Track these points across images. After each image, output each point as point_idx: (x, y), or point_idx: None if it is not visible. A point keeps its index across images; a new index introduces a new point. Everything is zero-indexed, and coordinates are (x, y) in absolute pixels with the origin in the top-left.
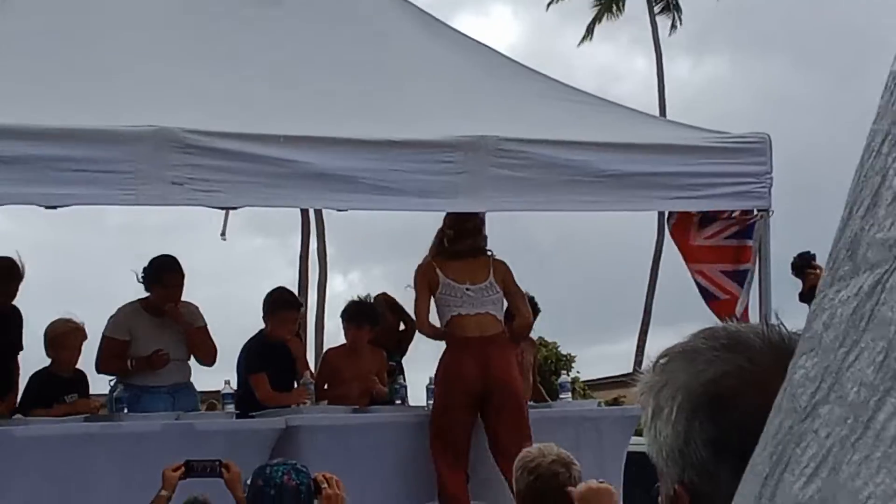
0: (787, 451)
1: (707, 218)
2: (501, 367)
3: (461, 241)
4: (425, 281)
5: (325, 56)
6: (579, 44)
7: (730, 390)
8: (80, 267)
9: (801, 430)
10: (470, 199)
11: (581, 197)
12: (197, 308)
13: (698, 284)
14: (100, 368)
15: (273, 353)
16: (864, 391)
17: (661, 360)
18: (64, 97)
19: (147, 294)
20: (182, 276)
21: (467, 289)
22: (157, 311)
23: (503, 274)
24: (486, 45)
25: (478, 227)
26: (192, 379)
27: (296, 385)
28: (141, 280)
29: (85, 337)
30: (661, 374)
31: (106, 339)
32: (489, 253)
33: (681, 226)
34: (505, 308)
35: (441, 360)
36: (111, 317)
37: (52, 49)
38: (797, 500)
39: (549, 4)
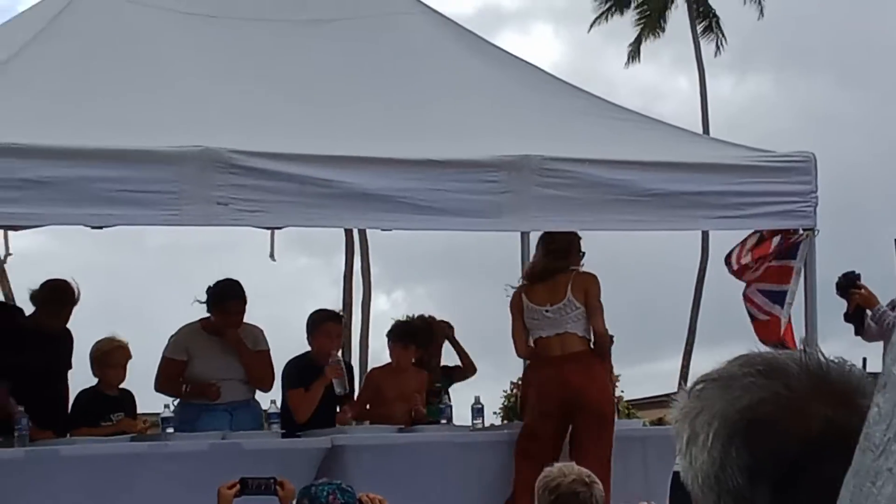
0: (863, 489)
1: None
2: (582, 385)
3: (543, 263)
4: (514, 308)
5: (368, 75)
6: (627, 64)
7: (766, 416)
8: (122, 287)
9: (877, 467)
10: (514, 218)
11: (625, 216)
12: (261, 332)
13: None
14: (157, 387)
15: (309, 373)
16: None
17: (697, 387)
18: (108, 118)
19: (208, 315)
20: (245, 302)
21: (546, 311)
22: (218, 332)
23: (585, 288)
24: (529, 63)
25: (563, 247)
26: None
27: (338, 410)
28: (202, 302)
29: (129, 355)
30: (696, 401)
31: (165, 360)
32: (572, 269)
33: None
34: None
35: (526, 380)
36: (171, 336)
37: (97, 71)
38: None
39: (591, 25)
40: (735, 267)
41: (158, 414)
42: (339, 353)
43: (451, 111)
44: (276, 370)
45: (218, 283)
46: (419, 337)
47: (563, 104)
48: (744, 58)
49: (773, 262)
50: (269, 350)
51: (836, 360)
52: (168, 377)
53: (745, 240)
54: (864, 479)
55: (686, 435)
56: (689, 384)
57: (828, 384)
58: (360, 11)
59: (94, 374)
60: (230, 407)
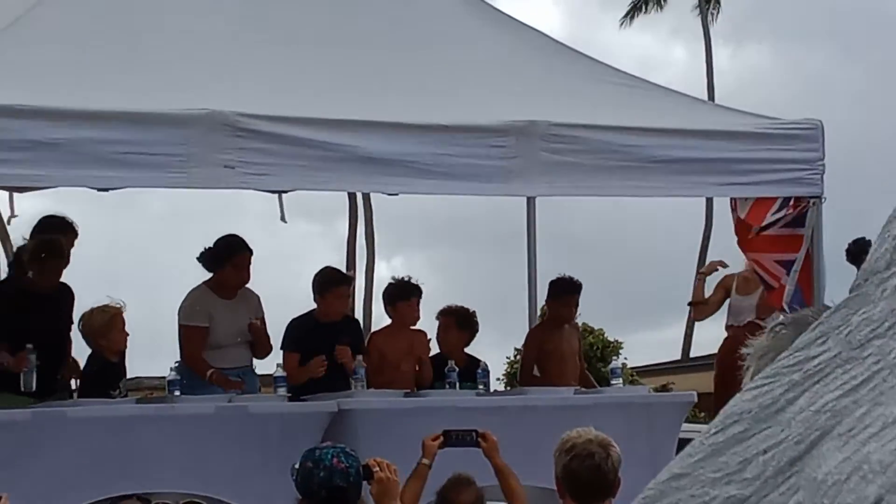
0: (827, 371)
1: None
2: None
3: None
4: None
5: (374, 40)
6: (620, 24)
7: None
8: (122, 252)
9: (849, 356)
10: (521, 184)
11: (632, 182)
12: (259, 298)
13: (758, 275)
14: (187, 361)
15: (313, 334)
16: None
17: (775, 328)
18: (115, 81)
19: (210, 275)
20: (251, 253)
21: None
22: (228, 293)
23: None
24: (535, 28)
25: None
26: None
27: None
28: (203, 261)
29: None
30: (768, 340)
31: (188, 329)
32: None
33: (753, 214)
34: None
35: None
36: (184, 303)
37: (104, 35)
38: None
39: None
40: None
41: (163, 377)
42: (361, 360)
43: (459, 76)
44: (276, 335)
45: (220, 239)
46: (417, 288)
47: (569, 69)
48: (741, 28)
49: (783, 231)
50: (264, 317)
51: None
52: (197, 347)
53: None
54: (831, 364)
55: (751, 371)
56: (769, 324)
57: None
58: None
59: (94, 345)
60: (239, 371)
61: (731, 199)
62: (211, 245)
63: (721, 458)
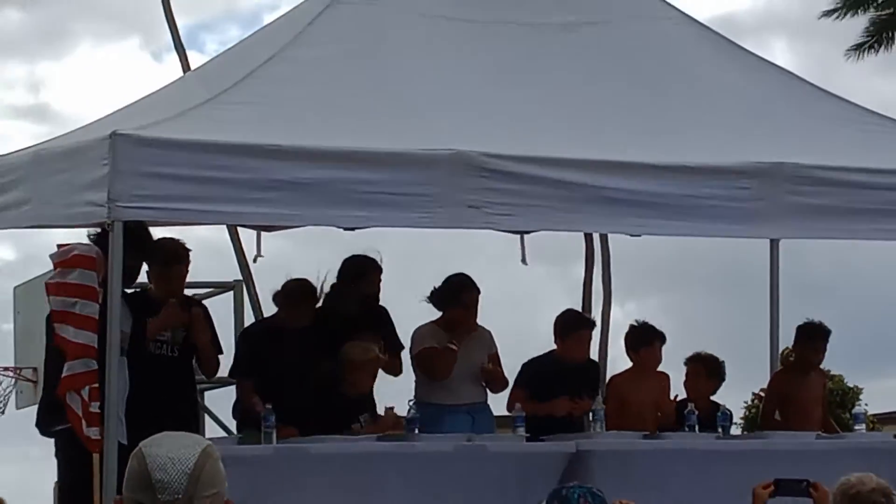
0: None
1: None
2: None
3: None
4: None
5: (618, 79)
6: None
7: None
8: None
9: None
10: (767, 226)
11: (880, 225)
12: (490, 334)
13: None
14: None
15: (553, 376)
16: None
17: None
18: (362, 122)
19: (441, 314)
20: (479, 292)
21: None
22: (455, 331)
23: None
24: (775, 64)
25: None
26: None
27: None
28: (432, 300)
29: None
30: None
31: (423, 350)
32: None
33: None
34: None
35: None
36: (413, 336)
37: (350, 75)
38: None
39: (821, 15)
40: None
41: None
42: (601, 401)
43: (702, 114)
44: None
45: (449, 277)
46: (659, 333)
47: (813, 109)
48: None
49: None
50: (497, 352)
51: None
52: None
53: None
54: None
55: None
56: None
57: None
58: (614, 15)
59: (342, 377)
60: (470, 408)
61: None
62: (440, 284)
63: None
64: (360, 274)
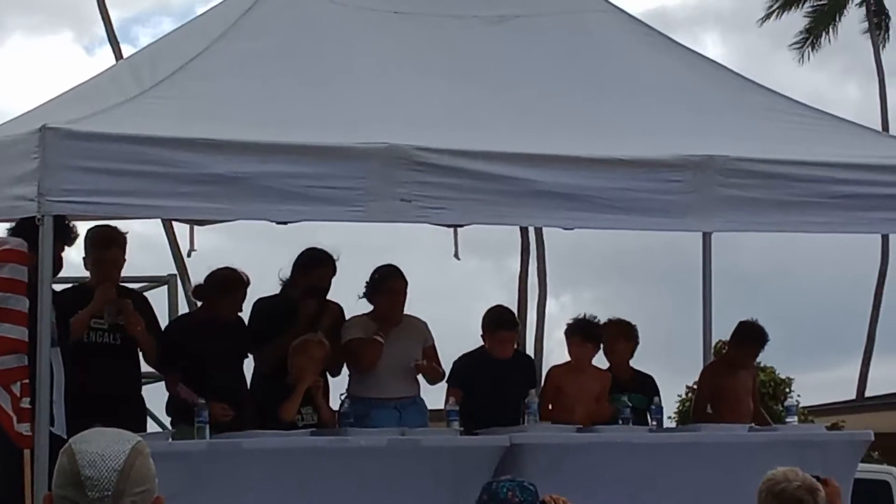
0: None
1: None
2: None
3: None
4: None
5: (551, 72)
6: (799, 56)
7: None
8: None
9: None
10: (698, 219)
11: (811, 218)
12: (426, 324)
13: None
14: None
15: (483, 370)
16: None
17: None
18: (294, 115)
19: (372, 308)
20: (405, 282)
21: None
22: (387, 324)
23: None
24: (707, 58)
25: None
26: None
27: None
28: (365, 294)
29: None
30: None
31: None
32: None
33: None
34: None
35: None
36: (343, 327)
37: (282, 68)
38: None
39: (762, 20)
40: None
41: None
42: (534, 394)
43: (635, 108)
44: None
45: (375, 269)
46: (597, 335)
47: (746, 101)
48: None
49: None
50: (434, 344)
51: None
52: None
53: None
54: None
55: None
56: None
57: None
58: (545, 9)
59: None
60: (399, 404)
61: None
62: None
63: None
64: (312, 266)
